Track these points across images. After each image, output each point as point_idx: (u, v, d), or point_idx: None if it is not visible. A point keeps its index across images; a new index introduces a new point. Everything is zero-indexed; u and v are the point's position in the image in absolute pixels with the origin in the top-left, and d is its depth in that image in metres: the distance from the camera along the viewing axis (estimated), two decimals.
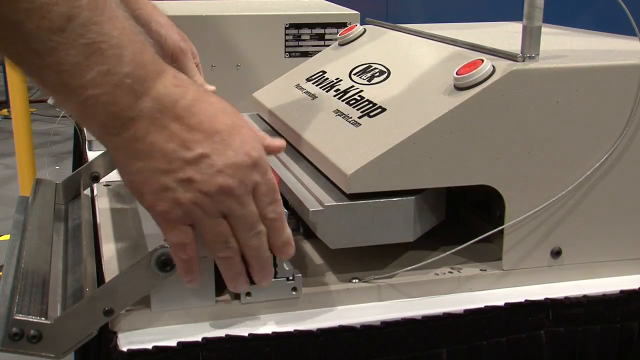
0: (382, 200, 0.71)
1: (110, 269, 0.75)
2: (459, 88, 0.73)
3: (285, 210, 0.68)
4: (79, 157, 1.55)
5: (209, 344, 0.64)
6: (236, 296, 0.69)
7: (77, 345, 0.63)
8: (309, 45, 1.31)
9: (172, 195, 0.59)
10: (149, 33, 0.90)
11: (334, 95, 0.88)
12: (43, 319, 0.61)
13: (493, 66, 0.73)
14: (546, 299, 0.73)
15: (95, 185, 1.00)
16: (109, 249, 0.80)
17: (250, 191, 0.61)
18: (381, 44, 0.98)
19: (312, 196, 0.73)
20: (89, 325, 0.63)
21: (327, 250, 0.73)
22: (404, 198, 0.72)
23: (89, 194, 0.95)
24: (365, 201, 0.71)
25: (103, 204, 0.92)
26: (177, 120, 0.58)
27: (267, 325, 0.68)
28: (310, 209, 0.70)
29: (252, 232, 0.62)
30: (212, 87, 0.95)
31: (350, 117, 0.80)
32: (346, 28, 1.06)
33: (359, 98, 0.84)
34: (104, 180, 1.00)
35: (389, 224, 0.72)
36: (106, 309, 0.63)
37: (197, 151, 0.58)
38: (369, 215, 0.71)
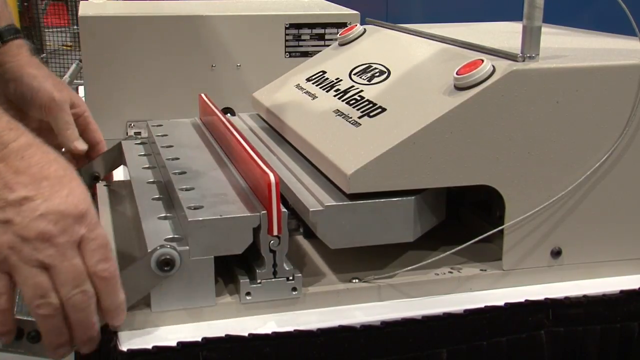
0: (382, 200, 0.71)
1: None
2: (459, 88, 0.73)
3: (285, 210, 0.68)
4: None
5: (209, 344, 0.64)
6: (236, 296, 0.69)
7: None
8: (309, 45, 1.31)
9: None
10: (20, 86, 0.86)
11: (334, 95, 0.88)
12: None
13: (493, 66, 0.73)
14: (546, 299, 0.73)
15: (95, 185, 1.00)
16: None
17: (74, 243, 0.59)
18: (381, 44, 0.98)
19: (312, 196, 0.73)
20: None
21: (327, 250, 0.73)
22: (404, 198, 0.72)
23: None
24: (365, 201, 0.71)
25: (103, 204, 0.92)
26: (3, 161, 0.57)
27: (267, 325, 0.68)
28: (310, 209, 0.70)
29: (75, 290, 0.59)
30: (83, 146, 0.90)
31: (350, 117, 0.80)
32: (346, 28, 1.06)
33: (359, 98, 0.84)
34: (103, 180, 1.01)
35: (389, 224, 0.72)
36: None
37: (20, 193, 0.57)
38: (369, 215, 0.71)
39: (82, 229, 0.59)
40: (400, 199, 0.72)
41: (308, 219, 0.71)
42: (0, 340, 0.61)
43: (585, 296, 0.74)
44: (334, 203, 0.71)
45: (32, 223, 0.57)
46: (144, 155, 0.94)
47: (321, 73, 0.97)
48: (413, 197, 0.72)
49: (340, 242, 0.72)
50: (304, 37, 1.31)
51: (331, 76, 0.95)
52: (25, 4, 5.39)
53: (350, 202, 0.71)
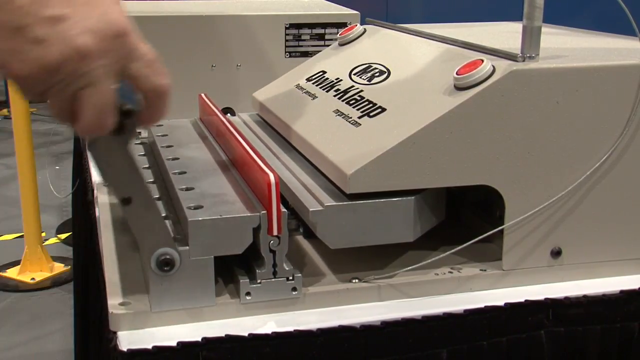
0: (382, 200, 0.71)
1: (111, 269, 0.75)
2: (459, 88, 0.73)
3: (285, 210, 0.68)
4: (79, 157, 1.55)
5: (209, 344, 0.64)
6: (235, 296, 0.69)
7: None
8: (309, 45, 1.31)
9: (26, 57, 0.53)
10: None
11: (334, 95, 0.88)
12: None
13: (493, 66, 0.73)
14: (546, 299, 0.73)
15: (95, 185, 1.00)
16: (109, 249, 0.80)
17: (113, 66, 0.55)
18: (381, 44, 0.98)
19: (312, 196, 0.73)
20: None
21: (327, 250, 0.73)
22: (404, 198, 0.72)
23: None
24: (365, 201, 0.71)
25: (103, 205, 0.92)
26: None
27: (267, 325, 0.68)
28: (310, 209, 0.70)
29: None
30: None
31: (350, 117, 0.80)
32: (346, 28, 1.06)
33: (359, 98, 0.84)
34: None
35: (389, 224, 0.72)
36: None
37: (55, 10, 0.53)
38: (369, 215, 0.71)
39: (124, 48, 0.56)
40: (400, 199, 0.72)
41: (308, 219, 0.71)
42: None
43: (585, 296, 0.74)
44: (334, 203, 0.71)
45: (71, 40, 0.53)
46: (144, 155, 0.94)
47: (321, 73, 0.97)
48: (413, 197, 0.72)
49: (340, 242, 0.72)
50: (304, 37, 1.31)
51: (331, 76, 0.95)
52: None
53: (350, 202, 0.71)
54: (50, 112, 0.57)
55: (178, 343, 0.64)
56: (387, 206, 0.72)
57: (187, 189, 0.74)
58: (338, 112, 0.83)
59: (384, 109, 0.79)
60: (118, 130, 0.59)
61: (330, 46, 1.07)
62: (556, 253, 0.77)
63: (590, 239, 0.78)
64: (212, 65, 1.25)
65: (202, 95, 1.01)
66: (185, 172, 0.79)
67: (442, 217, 0.79)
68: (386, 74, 0.87)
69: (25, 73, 0.53)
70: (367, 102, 0.82)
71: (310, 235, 0.81)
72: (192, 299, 0.68)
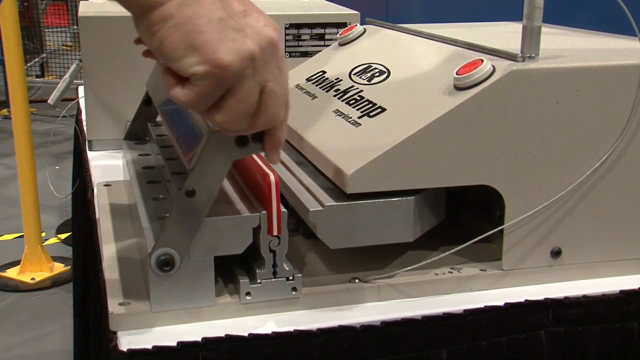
0: (382, 200, 0.71)
1: (111, 269, 0.75)
2: (459, 88, 0.73)
3: (285, 210, 0.68)
4: (79, 157, 1.55)
5: (209, 344, 0.64)
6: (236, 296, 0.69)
7: None
8: (309, 45, 1.31)
9: (233, 46, 0.57)
10: None
11: (334, 95, 0.88)
12: None
13: (493, 66, 0.73)
14: (546, 299, 0.73)
15: (95, 185, 1.00)
16: (109, 248, 0.80)
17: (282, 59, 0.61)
18: (381, 44, 0.98)
19: (312, 196, 0.73)
20: None
21: (327, 250, 0.73)
22: (404, 198, 0.72)
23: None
24: (365, 201, 0.71)
25: (103, 205, 0.92)
26: None
27: (267, 325, 0.68)
28: (310, 209, 0.70)
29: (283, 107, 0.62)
30: None
31: (350, 117, 0.80)
32: (346, 28, 1.06)
33: (358, 98, 0.84)
34: (103, 180, 1.01)
35: (388, 224, 0.72)
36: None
37: (241, 7, 0.59)
38: (368, 215, 0.71)
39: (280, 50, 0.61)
40: (400, 199, 0.72)
41: (308, 219, 0.71)
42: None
43: (585, 296, 0.74)
44: (334, 203, 0.71)
45: (262, 30, 0.59)
46: (144, 155, 0.94)
47: (321, 73, 0.97)
48: (413, 197, 0.72)
49: (340, 242, 0.72)
50: (304, 37, 1.31)
51: (331, 76, 0.95)
52: (25, 4, 5.39)
53: (350, 202, 0.71)
54: (230, 109, 0.60)
55: (178, 343, 0.64)
56: (387, 206, 0.72)
57: None
58: (338, 112, 0.83)
59: (383, 109, 0.79)
60: (242, 142, 0.64)
61: (330, 46, 1.07)
62: (556, 253, 0.77)
63: (590, 239, 0.78)
64: None
65: None
66: (185, 172, 0.79)
67: (442, 217, 0.79)
68: (386, 74, 0.87)
69: (229, 60, 0.57)
70: (367, 102, 0.82)
71: (310, 235, 0.81)
72: (192, 299, 0.68)
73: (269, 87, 0.60)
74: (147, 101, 0.99)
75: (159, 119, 0.99)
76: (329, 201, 0.71)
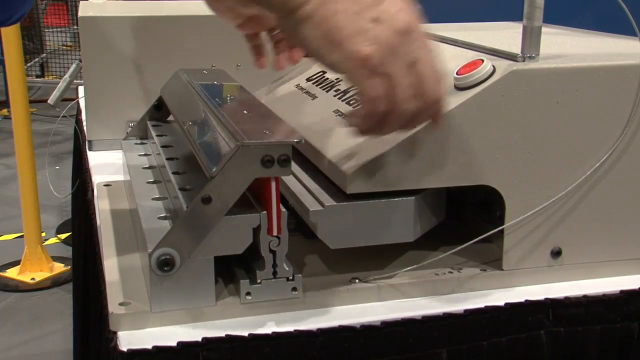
0: (382, 200, 0.71)
1: (111, 269, 0.75)
2: (459, 88, 0.73)
3: (285, 210, 0.68)
4: (79, 157, 1.55)
5: (209, 344, 0.64)
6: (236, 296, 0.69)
7: None
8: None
9: (370, 35, 0.60)
10: None
11: (334, 95, 0.88)
12: None
13: (493, 66, 0.73)
14: (546, 299, 0.73)
15: (95, 186, 1.00)
16: (109, 248, 0.80)
17: (425, 36, 0.62)
18: None
19: (312, 196, 0.73)
20: None
21: (327, 250, 0.73)
22: (404, 198, 0.72)
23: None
24: (365, 201, 0.71)
25: (103, 205, 0.92)
26: None
27: (267, 325, 0.68)
28: (311, 209, 0.70)
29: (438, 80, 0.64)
30: None
31: None
32: None
33: (359, 98, 0.84)
34: (103, 180, 1.01)
35: (389, 224, 0.72)
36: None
37: None
38: (369, 215, 0.71)
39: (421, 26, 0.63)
40: (400, 199, 0.72)
41: (308, 219, 0.71)
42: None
43: (585, 296, 0.74)
44: (334, 203, 0.71)
45: (396, 16, 0.60)
46: (144, 155, 0.94)
47: (321, 73, 0.97)
48: (413, 197, 0.72)
49: (340, 242, 0.72)
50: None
51: (331, 76, 0.95)
52: None
53: (350, 202, 0.71)
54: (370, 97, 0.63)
55: (178, 343, 0.64)
56: (388, 206, 0.72)
57: (187, 189, 0.74)
58: (338, 112, 0.83)
59: None
60: (267, 162, 0.65)
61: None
62: (556, 253, 0.77)
63: (590, 239, 0.78)
64: (212, 65, 1.25)
65: None
66: (185, 172, 0.79)
67: (442, 217, 0.79)
68: None
69: (368, 51, 0.60)
70: None
71: (310, 235, 0.81)
72: (192, 299, 0.68)
73: (417, 69, 0.62)
74: (157, 106, 0.99)
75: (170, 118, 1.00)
76: (329, 201, 0.71)
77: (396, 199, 0.72)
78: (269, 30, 0.93)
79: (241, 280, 0.69)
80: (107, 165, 1.14)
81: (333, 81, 0.93)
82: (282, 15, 0.62)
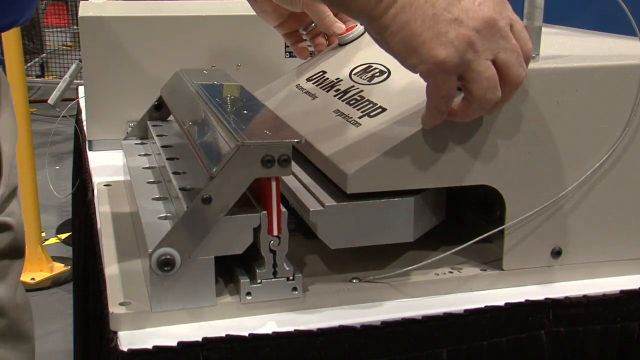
0: (382, 200, 0.71)
1: (111, 269, 0.75)
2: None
3: (285, 210, 0.68)
4: (79, 157, 1.55)
5: (210, 344, 0.64)
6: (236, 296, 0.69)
7: None
8: (309, 46, 1.31)
9: (447, 39, 0.61)
10: None
11: (334, 95, 0.88)
12: None
13: None
14: (546, 299, 0.73)
15: (95, 186, 1.00)
16: (109, 248, 0.80)
17: (509, 26, 0.63)
18: None
19: (312, 196, 0.73)
20: None
21: (327, 250, 0.73)
22: (404, 198, 0.72)
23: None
24: (365, 201, 0.71)
25: (103, 204, 0.92)
26: None
27: (268, 325, 0.68)
28: (311, 209, 0.70)
29: (521, 69, 0.64)
30: (341, 27, 1.00)
31: (351, 117, 0.80)
32: (346, 28, 1.06)
33: (359, 98, 0.84)
34: (103, 180, 1.01)
35: (388, 224, 0.72)
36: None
37: None
38: (369, 215, 0.71)
39: (509, 11, 0.63)
40: (400, 199, 0.72)
41: (308, 219, 0.71)
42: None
43: (585, 296, 0.74)
44: (334, 203, 0.71)
45: (476, 14, 0.61)
46: (144, 155, 0.94)
47: (321, 73, 0.97)
48: (413, 197, 0.72)
49: (340, 242, 0.72)
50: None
51: (331, 76, 0.95)
52: None
53: (350, 202, 0.71)
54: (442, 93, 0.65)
55: (178, 343, 0.64)
56: (387, 206, 0.72)
57: (188, 189, 0.74)
58: (338, 112, 0.83)
59: (384, 109, 0.79)
60: (267, 162, 0.65)
61: (330, 46, 1.07)
62: (556, 253, 0.77)
63: (591, 239, 0.78)
64: (212, 65, 1.25)
65: None
66: (185, 172, 0.79)
67: (443, 217, 0.79)
68: (387, 74, 0.87)
69: (445, 55, 0.61)
70: (367, 102, 0.82)
71: (310, 235, 0.81)
72: (192, 298, 0.68)
73: (500, 59, 0.63)
74: (157, 106, 0.99)
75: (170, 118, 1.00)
76: (329, 201, 0.71)
77: (396, 199, 0.72)
78: (305, 27, 1.03)
79: (241, 280, 0.69)
80: (107, 165, 1.14)
81: (333, 81, 0.93)
82: (366, 22, 0.64)
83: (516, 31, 0.65)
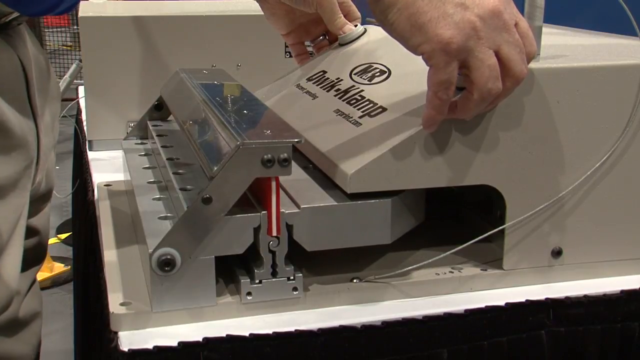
0: (358, 202, 0.71)
1: (111, 269, 0.75)
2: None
3: (285, 211, 0.68)
4: (79, 157, 1.55)
5: (210, 344, 0.64)
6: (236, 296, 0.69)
7: None
8: (309, 45, 1.31)
9: (452, 20, 0.61)
10: None
11: (335, 95, 0.88)
12: None
13: None
14: (547, 298, 0.73)
15: (95, 186, 1.00)
16: (109, 248, 0.80)
17: (514, 20, 0.64)
18: (382, 44, 0.98)
19: (290, 198, 0.73)
20: None
21: (327, 250, 0.73)
22: (381, 200, 0.71)
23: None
24: (341, 203, 0.70)
25: (103, 205, 0.92)
26: None
27: (268, 325, 0.68)
28: (286, 211, 0.69)
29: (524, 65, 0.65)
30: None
31: (351, 117, 0.80)
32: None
33: (359, 98, 0.84)
34: (104, 180, 1.01)
35: (365, 226, 0.71)
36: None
37: None
38: (345, 217, 0.71)
39: (514, 8, 0.64)
40: (376, 200, 0.71)
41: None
42: (429, 129, 0.69)
43: (585, 296, 0.74)
44: (309, 205, 0.70)
45: (483, 1, 0.62)
46: (144, 155, 0.94)
47: (321, 73, 0.97)
48: (390, 199, 0.71)
49: (317, 244, 0.71)
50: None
51: (332, 76, 0.95)
52: None
53: (326, 204, 0.70)
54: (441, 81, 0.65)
55: (179, 343, 0.64)
56: (364, 208, 0.71)
57: (188, 189, 0.74)
58: (339, 112, 0.83)
59: (384, 109, 0.79)
60: (267, 162, 0.65)
61: (330, 46, 1.07)
62: (557, 253, 0.77)
63: (591, 239, 0.78)
64: (212, 65, 1.25)
65: None
66: (185, 172, 0.79)
67: (422, 218, 0.78)
68: (387, 74, 0.87)
69: (449, 35, 0.62)
70: (367, 102, 0.82)
71: None
72: (193, 299, 0.68)
73: (503, 52, 0.64)
74: (157, 106, 0.99)
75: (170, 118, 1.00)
76: (305, 203, 0.70)
77: (373, 201, 0.71)
78: (312, 40, 1.04)
79: (242, 280, 0.69)
80: (107, 165, 1.14)
81: (333, 81, 0.93)
82: (371, 1, 0.65)
83: (521, 30, 0.65)
